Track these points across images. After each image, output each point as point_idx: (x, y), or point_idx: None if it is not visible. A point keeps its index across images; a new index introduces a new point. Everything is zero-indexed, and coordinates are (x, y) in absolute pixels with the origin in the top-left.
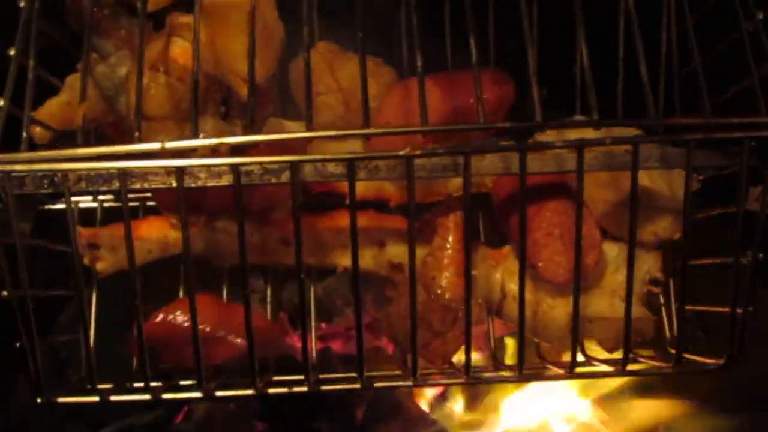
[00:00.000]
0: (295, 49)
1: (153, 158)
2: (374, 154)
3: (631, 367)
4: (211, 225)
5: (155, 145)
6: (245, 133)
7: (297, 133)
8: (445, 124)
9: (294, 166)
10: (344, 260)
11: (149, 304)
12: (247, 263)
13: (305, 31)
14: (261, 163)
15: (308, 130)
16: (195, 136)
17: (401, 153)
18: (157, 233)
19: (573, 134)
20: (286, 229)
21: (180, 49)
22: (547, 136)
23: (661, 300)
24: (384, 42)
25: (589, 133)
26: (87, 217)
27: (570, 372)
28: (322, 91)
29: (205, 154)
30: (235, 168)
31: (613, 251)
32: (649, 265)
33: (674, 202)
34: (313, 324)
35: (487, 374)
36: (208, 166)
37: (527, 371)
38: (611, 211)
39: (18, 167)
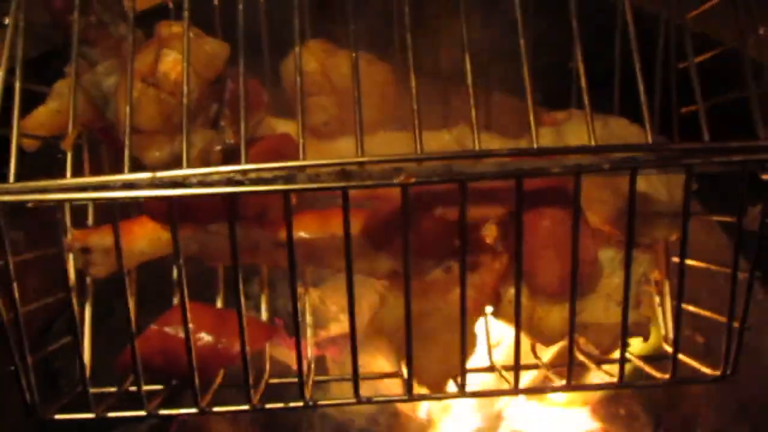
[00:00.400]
0: (287, 48)
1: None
2: (368, 183)
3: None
4: (204, 227)
5: (146, 175)
6: (236, 142)
7: (291, 162)
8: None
9: (287, 195)
10: (339, 264)
11: (143, 307)
12: (241, 285)
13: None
14: (255, 192)
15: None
16: (188, 164)
17: (395, 181)
18: (150, 234)
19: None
20: (279, 232)
21: (171, 63)
22: (544, 135)
23: (657, 301)
24: (378, 34)
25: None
26: (78, 210)
27: (567, 385)
28: (314, 91)
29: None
30: (229, 198)
31: (608, 254)
32: (644, 267)
33: (672, 204)
34: (308, 333)
35: (486, 378)
36: (201, 195)
37: (524, 386)
38: (607, 211)
39: (7, 198)
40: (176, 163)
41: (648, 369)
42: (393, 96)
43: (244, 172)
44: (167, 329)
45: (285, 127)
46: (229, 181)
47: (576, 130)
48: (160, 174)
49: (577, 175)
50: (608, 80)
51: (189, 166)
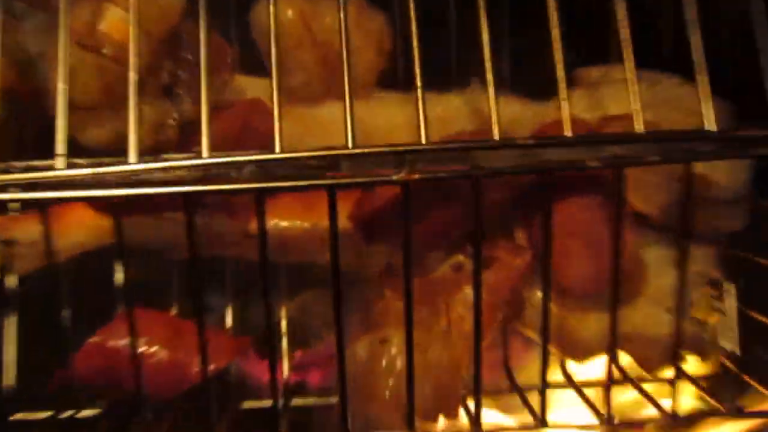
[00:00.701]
0: None
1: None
2: (361, 181)
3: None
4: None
5: (85, 171)
6: (195, 114)
7: (265, 154)
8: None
9: (261, 195)
10: (323, 258)
11: (82, 315)
12: (203, 305)
13: None
14: (221, 192)
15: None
16: (136, 146)
17: (395, 178)
18: (88, 221)
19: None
20: (250, 221)
21: (113, 21)
22: (576, 99)
23: (716, 306)
24: None
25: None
26: None
27: (607, 419)
28: (292, 46)
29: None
30: (188, 199)
31: (656, 250)
32: (701, 265)
33: (734, 190)
34: (284, 353)
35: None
36: (157, 195)
37: (554, 424)
38: (656, 198)
39: None
40: (121, 143)
41: (707, 395)
42: (389, 50)
43: (207, 166)
44: (111, 342)
45: (256, 88)
46: (189, 173)
47: (616, 94)
48: (102, 170)
49: (618, 169)
50: (656, 30)
51: (138, 147)
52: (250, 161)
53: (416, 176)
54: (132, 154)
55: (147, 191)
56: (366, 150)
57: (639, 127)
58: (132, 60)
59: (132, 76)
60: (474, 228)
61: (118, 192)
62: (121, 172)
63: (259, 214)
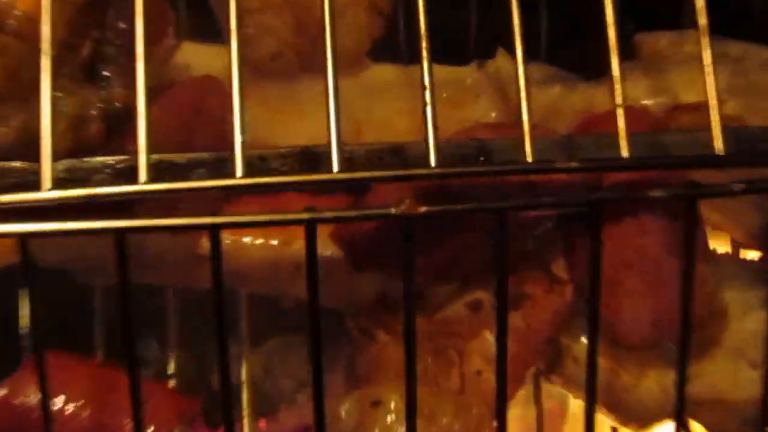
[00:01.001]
0: None
1: None
2: (351, 215)
3: None
4: None
5: None
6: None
7: (223, 180)
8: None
9: (216, 232)
10: (298, 290)
11: None
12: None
13: None
14: (166, 227)
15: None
16: (51, 181)
17: (394, 212)
18: None
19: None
20: (200, 238)
21: None
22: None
23: None
24: None
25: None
26: None
27: None
28: (256, 6)
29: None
30: (120, 234)
31: (737, 288)
32: None
33: None
34: (245, 422)
35: None
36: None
37: None
38: (741, 221)
39: None
40: (30, 143)
41: None
42: (386, 11)
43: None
44: (16, 398)
45: (209, 59)
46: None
47: (687, 76)
48: (8, 198)
49: (691, 201)
50: None
51: (54, 150)
52: (204, 188)
53: (423, 209)
54: (45, 177)
55: (67, 227)
56: (357, 176)
57: (718, 145)
58: (44, 37)
59: (44, 59)
60: (499, 262)
61: (30, 228)
62: (29, 201)
63: (215, 254)
